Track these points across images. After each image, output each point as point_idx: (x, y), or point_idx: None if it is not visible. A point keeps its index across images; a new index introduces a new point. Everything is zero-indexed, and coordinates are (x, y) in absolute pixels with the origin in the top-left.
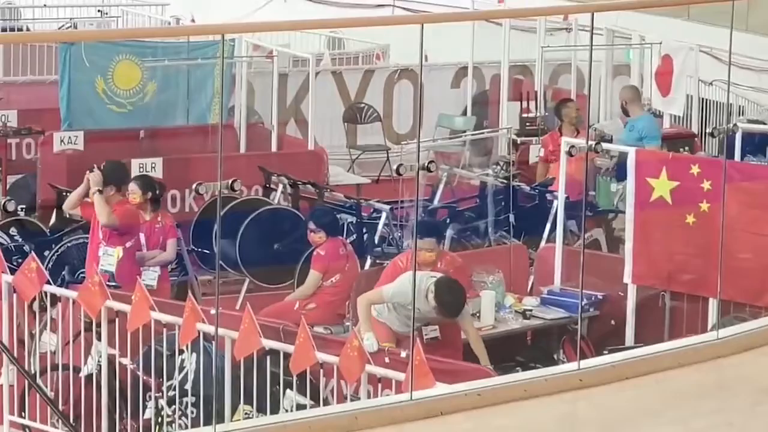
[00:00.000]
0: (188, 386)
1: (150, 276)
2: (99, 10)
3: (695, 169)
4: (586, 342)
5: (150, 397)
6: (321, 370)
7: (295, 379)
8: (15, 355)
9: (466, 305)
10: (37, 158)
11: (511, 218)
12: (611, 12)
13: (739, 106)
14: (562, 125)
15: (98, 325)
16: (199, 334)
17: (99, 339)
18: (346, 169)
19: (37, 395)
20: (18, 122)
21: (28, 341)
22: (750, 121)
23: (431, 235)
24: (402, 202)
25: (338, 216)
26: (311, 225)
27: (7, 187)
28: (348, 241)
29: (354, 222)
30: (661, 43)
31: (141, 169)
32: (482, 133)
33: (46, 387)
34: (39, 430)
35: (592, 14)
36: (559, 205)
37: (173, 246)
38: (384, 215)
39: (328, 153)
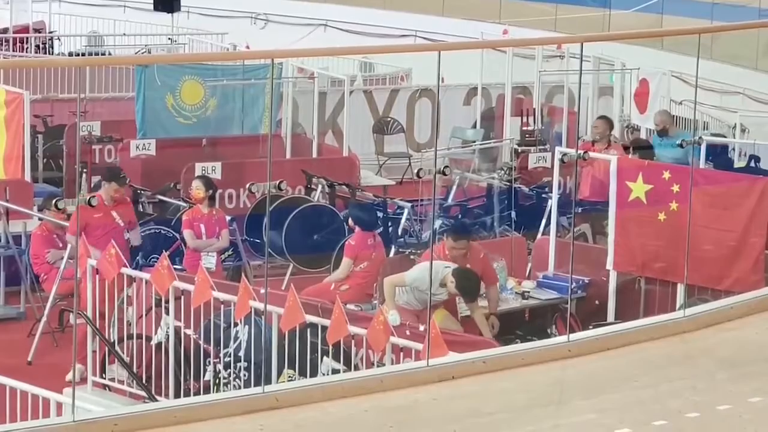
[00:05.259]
0: (241, 353)
1: (209, 261)
2: (169, 38)
3: (666, 175)
4: (574, 319)
5: (209, 362)
6: (352, 341)
7: (331, 348)
8: (97, 325)
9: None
10: (117, 162)
11: (513, 215)
12: (598, 42)
13: (704, 122)
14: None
15: (167, 301)
16: (251, 309)
17: (167, 313)
18: (375, 172)
19: (116, 359)
20: (101, 131)
21: (108, 314)
22: (713, 135)
23: (464, 235)
24: (421, 200)
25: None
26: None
27: (92, 185)
28: (376, 233)
29: (381, 217)
30: (639, 69)
31: (203, 171)
32: (489, 143)
33: (123, 353)
34: (117, 389)
35: (582, 44)
36: (552, 203)
37: (227, 235)
38: (406, 211)
39: (359, 159)
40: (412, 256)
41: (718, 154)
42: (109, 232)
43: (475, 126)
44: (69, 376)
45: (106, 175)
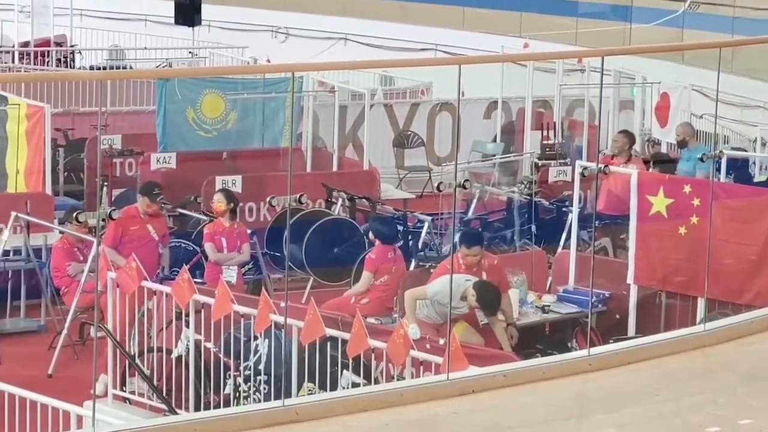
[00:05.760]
0: (261, 367)
1: (230, 274)
2: (190, 52)
3: (687, 189)
4: (595, 333)
5: (229, 375)
6: (372, 355)
7: (350, 361)
8: (117, 339)
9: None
10: (138, 175)
11: (533, 228)
12: (618, 56)
13: (725, 136)
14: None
15: (187, 314)
16: (271, 323)
17: (187, 326)
18: (395, 185)
19: (136, 373)
20: (122, 145)
21: (129, 328)
22: (734, 149)
23: (477, 242)
24: (442, 214)
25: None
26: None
27: (113, 199)
28: (396, 246)
29: (401, 230)
30: (659, 83)
31: (224, 185)
32: (509, 156)
33: (144, 366)
34: (137, 402)
35: (602, 58)
36: (573, 217)
37: (248, 249)
38: (426, 225)
39: (380, 172)
40: (432, 270)
41: (739, 168)
42: (144, 245)
43: (495, 140)
44: (100, 388)
45: (140, 189)
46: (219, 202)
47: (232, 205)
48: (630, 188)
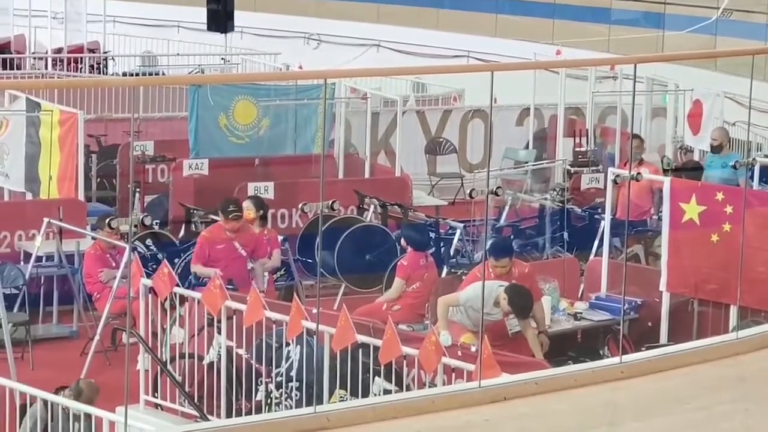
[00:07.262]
0: (293, 373)
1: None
2: (222, 58)
3: (720, 196)
4: (627, 340)
5: (261, 382)
6: (404, 361)
7: (382, 368)
8: (149, 345)
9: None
10: (170, 181)
11: (565, 235)
12: (651, 63)
13: (758, 144)
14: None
15: (219, 321)
16: (303, 329)
17: (219, 332)
18: (427, 192)
19: (168, 379)
20: (154, 151)
21: (161, 334)
22: (766, 156)
23: (506, 254)
24: (474, 221)
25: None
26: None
27: (145, 205)
28: (428, 253)
29: (433, 237)
30: (692, 90)
31: (256, 191)
32: (542, 163)
33: (175, 372)
34: (169, 408)
35: (635, 65)
36: (605, 225)
37: (278, 255)
38: (458, 232)
39: (412, 179)
40: (463, 277)
41: None
42: (231, 262)
43: (527, 147)
44: None
45: (218, 209)
46: (248, 210)
47: (261, 212)
48: (644, 193)
